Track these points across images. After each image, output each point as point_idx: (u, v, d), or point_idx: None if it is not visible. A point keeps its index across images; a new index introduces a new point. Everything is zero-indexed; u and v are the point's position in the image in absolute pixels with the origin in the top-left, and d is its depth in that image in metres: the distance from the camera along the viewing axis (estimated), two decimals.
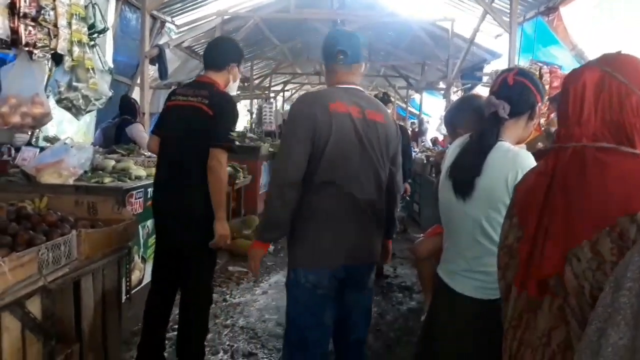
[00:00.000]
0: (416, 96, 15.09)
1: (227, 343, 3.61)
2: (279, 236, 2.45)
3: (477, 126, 2.01)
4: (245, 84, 14.87)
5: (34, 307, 2.27)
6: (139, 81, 7.83)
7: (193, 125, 2.86)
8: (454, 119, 2.22)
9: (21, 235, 2.28)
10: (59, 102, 3.13)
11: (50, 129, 5.80)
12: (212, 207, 2.85)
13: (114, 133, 5.24)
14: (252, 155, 7.78)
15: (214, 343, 3.60)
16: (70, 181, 3.27)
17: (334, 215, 2.26)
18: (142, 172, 3.78)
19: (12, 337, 2.14)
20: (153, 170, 3.92)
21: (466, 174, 1.87)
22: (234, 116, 2.99)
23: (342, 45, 2.34)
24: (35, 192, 3.16)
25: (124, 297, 3.20)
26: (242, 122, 14.84)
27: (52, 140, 4.89)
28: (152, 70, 7.42)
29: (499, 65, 9.72)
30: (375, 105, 2.42)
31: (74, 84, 3.14)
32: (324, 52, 2.42)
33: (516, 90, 1.88)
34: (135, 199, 3.36)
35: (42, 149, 3.99)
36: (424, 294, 2.65)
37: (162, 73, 6.47)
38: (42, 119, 3.11)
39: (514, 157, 1.81)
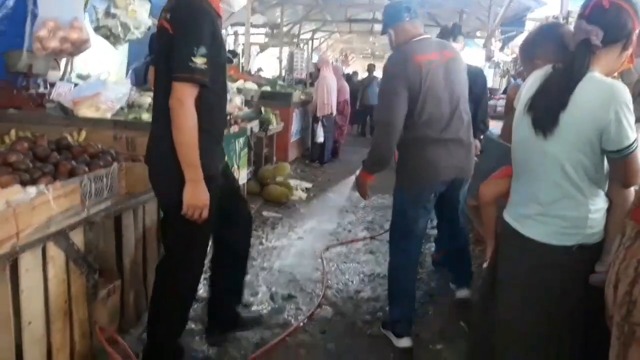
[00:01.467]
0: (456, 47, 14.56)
1: (266, 285, 3.55)
2: (382, 169, 2.79)
3: (560, 56, 1.81)
4: (275, 30, 14.54)
5: (77, 239, 2.20)
6: None
7: (160, 52, 2.13)
8: (532, 49, 2.01)
9: (63, 164, 2.19)
10: (96, 29, 2.99)
11: (82, 67, 5.70)
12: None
13: (145, 72, 5.09)
14: (284, 102, 7.60)
15: (252, 285, 3.55)
16: (108, 115, 3.16)
17: (430, 145, 2.68)
18: None
19: (57, 268, 2.08)
20: None
21: (549, 107, 1.69)
22: (201, 32, 2.00)
23: (406, 3, 2.74)
24: (73, 125, 3.08)
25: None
26: (271, 70, 14.58)
27: (85, 77, 4.78)
28: None
29: (544, 13, 9.25)
30: (446, 45, 2.87)
31: (112, 10, 2.98)
32: (391, 16, 2.76)
33: (612, 15, 1.66)
34: None
35: (76, 85, 3.88)
36: (485, 239, 2.51)
37: None
38: (80, 45, 2.97)
39: (608, 91, 1.61)
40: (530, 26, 8.83)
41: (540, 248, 1.78)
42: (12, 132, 2.91)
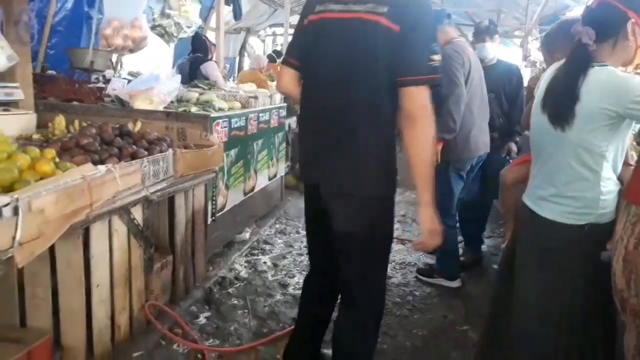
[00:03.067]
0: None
1: (303, 269, 3.78)
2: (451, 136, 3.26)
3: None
4: None
5: (137, 215, 2.46)
6: (212, 24, 7.97)
7: (364, 50, 1.77)
8: (550, 43, 2.17)
9: (126, 148, 2.45)
10: (152, 28, 3.26)
11: (131, 65, 6.06)
12: (387, 182, 1.90)
13: (188, 70, 5.39)
14: None
15: (290, 268, 3.78)
16: (161, 108, 3.44)
17: (473, 126, 3.32)
18: (224, 105, 3.91)
19: (120, 239, 2.35)
20: (234, 104, 4.07)
21: (562, 103, 1.84)
22: (433, 27, 1.97)
23: (447, 10, 3.53)
24: (129, 116, 3.36)
25: (209, 219, 3.40)
26: None
27: (135, 74, 5.11)
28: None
29: (579, 12, 9.20)
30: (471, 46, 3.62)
31: (167, 11, 3.26)
32: (435, 18, 3.04)
33: (599, 13, 1.81)
34: (221, 127, 3.50)
35: (128, 81, 4.19)
36: (506, 221, 2.66)
37: (237, 13, 6.53)
38: (140, 42, 3.26)
39: (611, 81, 1.76)
40: None
41: (554, 227, 1.93)
42: (76, 122, 3.21)
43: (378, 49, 1.74)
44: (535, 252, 2.03)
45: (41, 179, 1.86)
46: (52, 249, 2.04)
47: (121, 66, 5.50)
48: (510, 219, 2.60)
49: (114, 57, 4.43)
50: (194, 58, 5.22)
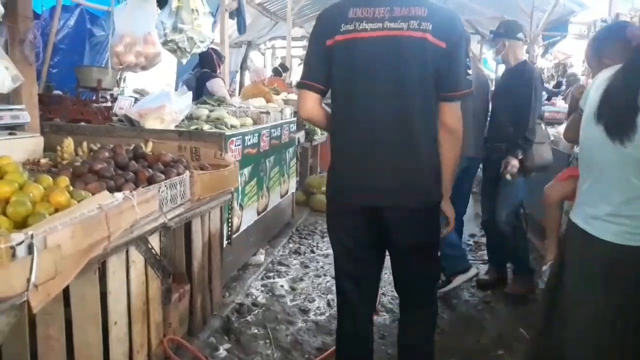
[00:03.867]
0: (489, 55, 14.43)
1: (322, 292, 3.60)
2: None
3: (628, 56, 1.82)
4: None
5: (155, 243, 2.30)
6: (216, 37, 7.84)
7: (418, 66, 1.80)
8: (600, 48, 2.03)
9: (142, 172, 2.30)
10: (164, 44, 3.11)
11: (135, 82, 5.93)
12: (439, 188, 1.99)
13: (195, 86, 5.25)
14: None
15: (309, 291, 3.61)
16: (172, 126, 3.29)
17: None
18: (236, 121, 3.76)
19: (137, 271, 2.19)
20: (246, 121, 3.92)
21: (622, 114, 1.69)
22: (468, 45, 1.92)
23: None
24: (139, 137, 3.21)
25: (225, 242, 3.24)
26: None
27: (141, 92, 4.97)
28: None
29: (587, 17, 9.13)
30: None
31: (179, 25, 3.10)
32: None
33: None
34: (235, 145, 3.35)
35: (136, 99, 4.04)
36: (548, 240, 2.51)
37: (241, 27, 6.40)
38: (153, 59, 3.11)
39: None
40: (574, 30, 8.72)
41: (610, 248, 1.78)
42: (84, 144, 3.05)
43: (428, 64, 1.80)
44: (589, 274, 1.87)
45: (56, 210, 1.70)
46: (66, 286, 1.87)
47: (124, 82, 5.36)
48: (552, 240, 2.45)
49: (118, 75, 4.29)
50: (200, 74, 5.08)
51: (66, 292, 1.92)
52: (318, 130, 6.67)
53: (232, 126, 3.65)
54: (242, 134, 3.50)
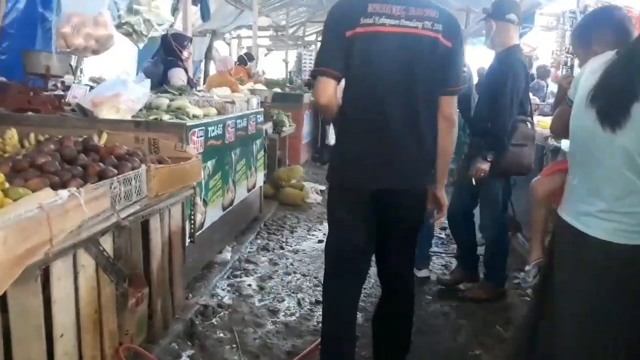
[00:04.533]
0: None
1: (292, 291, 3.43)
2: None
3: (621, 42, 1.70)
4: (279, 33, 14.45)
5: (107, 245, 2.09)
6: (177, 25, 7.51)
7: (429, 62, 1.97)
8: (588, 35, 1.90)
9: (92, 166, 2.07)
10: (118, 27, 2.87)
11: (91, 71, 5.60)
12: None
13: (160, 74, 4.95)
14: (295, 103, 7.50)
15: (278, 290, 3.43)
16: (128, 116, 3.05)
17: None
18: (199, 111, 3.54)
19: (87, 276, 1.97)
20: (209, 111, 3.70)
21: (618, 99, 1.57)
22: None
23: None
24: (93, 127, 2.96)
25: (187, 240, 3.03)
26: (275, 73, 14.47)
27: (97, 80, 4.67)
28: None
29: (554, 9, 9.13)
30: None
31: (135, 6, 2.86)
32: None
33: None
34: (197, 137, 3.13)
35: (91, 87, 3.77)
36: (532, 239, 2.38)
37: (205, 14, 6.13)
38: (106, 42, 2.85)
39: None
40: (541, 22, 8.71)
41: (604, 246, 1.66)
42: (32, 135, 2.80)
43: (437, 62, 1.99)
44: (581, 273, 1.75)
45: None
46: (2, 295, 1.65)
47: (81, 72, 5.04)
48: (537, 238, 2.33)
49: (74, 61, 4.00)
50: (167, 61, 4.77)
51: (4, 302, 1.70)
52: (286, 122, 6.49)
53: (194, 116, 3.42)
54: (205, 124, 3.29)
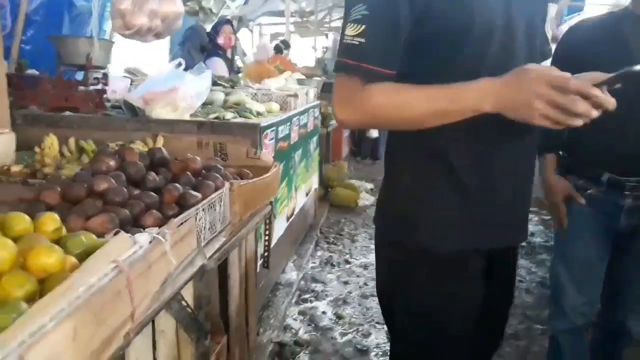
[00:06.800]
0: None
1: (376, 320, 2.88)
2: None
3: None
4: (304, 19, 13.80)
5: (188, 295, 1.54)
6: None
7: None
8: None
9: (169, 191, 1.52)
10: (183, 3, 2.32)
11: (124, 61, 5.06)
12: None
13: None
14: None
15: (359, 320, 2.89)
16: (187, 116, 2.51)
17: None
18: (261, 107, 2.99)
19: (167, 343, 1.43)
20: (271, 106, 3.15)
21: None
22: None
23: None
24: (145, 130, 2.45)
25: (258, 266, 2.50)
26: (302, 60, 13.85)
27: (133, 72, 4.13)
28: None
29: None
30: None
31: None
32: None
33: None
34: (269, 139, 2.59)
35: (132, 81, 3.23)
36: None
37: None
38: (173, 22, 2.30)
39: None
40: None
41: None
42: (71, 141, 2.28)
43: None
44: None
45: (40, 285, 0.94)
46: None
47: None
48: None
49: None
50: (204, 51, 4.21)
51: None
52: (331, 114, 5.92)
53: (258, 113, 2.88)
54: (276, 124, 2.74)
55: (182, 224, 1.38)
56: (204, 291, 1.66)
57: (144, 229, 1.31)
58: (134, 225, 1.33)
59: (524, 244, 4.25)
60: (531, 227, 4.78)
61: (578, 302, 1.92)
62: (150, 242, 1.20)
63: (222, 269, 1.95)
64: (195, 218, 1.48)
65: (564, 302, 1.94)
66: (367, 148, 7.88)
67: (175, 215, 1.44)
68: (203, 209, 1.54)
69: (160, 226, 1.32)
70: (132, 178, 1.53)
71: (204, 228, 1.55)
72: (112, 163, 1.56)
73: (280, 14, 12.58)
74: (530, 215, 5.26)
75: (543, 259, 3.99)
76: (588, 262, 1.90)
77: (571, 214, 1.90)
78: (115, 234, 1.23)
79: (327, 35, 13.78)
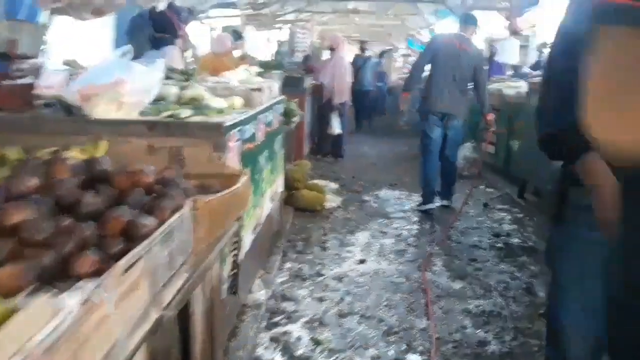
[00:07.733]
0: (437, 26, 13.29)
1: (359, 344, 2.55)
2: None
3: None
4: (257, 11, 13.34)
5: (139, 356, 1.16)
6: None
7: None
8: None
9: (113, 218, 1.12)
10: None
11: (59, 53, 4.54)
12: None
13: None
14: (296, 88, 6.46)
15: (340, 345, 2.54)
16: (135, 114, 2.10)
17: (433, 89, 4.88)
18: (222, 103, 2.60)
19: None
20: (234, 101, 2.75)
21: None
22: None
23: None
24: (83, 132, 2.01)
25: (225, 292, 2.11)
26: (264, 53, 13.36)
27: (71, 64, 3.63)
28: None
29: None
30: None
31: None
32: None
33: None
34: (235, 141, 2.20)
35: (71, 74, 2.77)
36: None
37: None
38: None
39: None
40: None
41: None
42: None
43: None
44: None
45: None
46: None
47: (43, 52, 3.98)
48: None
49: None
50: (158, 40, 3.78)
51: None
52: (296, 110, 5.54)
53: (219, 111, 2.48)
54: (242, 122, 2.36)
55: (130, 267, 1.00)
56: (159, 345, 1.27)
57: (77, 278, 0.93)
58: (61, 275, 0.93)
59: (501, 245, 4.04)
60: (506, 227, 4.58)
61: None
62: (83, 304, 0.82)
63: (183, 309, 1.57)
64: (149, 253, 1.09)
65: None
66: (325, 145, 7.55)
67: (121, 253, 1.04)
68: (160, 241, 1.16)
69: (99, 273, 0.94)
70: (62, 201, 1.13)
71: (160, 266, 1.17)
72: (33, 181, 1.15)
73: (233, 6, 12.10)
74: (504, 214, 4.98)
75: (523, 261, 3.77)
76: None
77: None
78: (33, 292, 0.84)
79: (281, 28, 13.40)
